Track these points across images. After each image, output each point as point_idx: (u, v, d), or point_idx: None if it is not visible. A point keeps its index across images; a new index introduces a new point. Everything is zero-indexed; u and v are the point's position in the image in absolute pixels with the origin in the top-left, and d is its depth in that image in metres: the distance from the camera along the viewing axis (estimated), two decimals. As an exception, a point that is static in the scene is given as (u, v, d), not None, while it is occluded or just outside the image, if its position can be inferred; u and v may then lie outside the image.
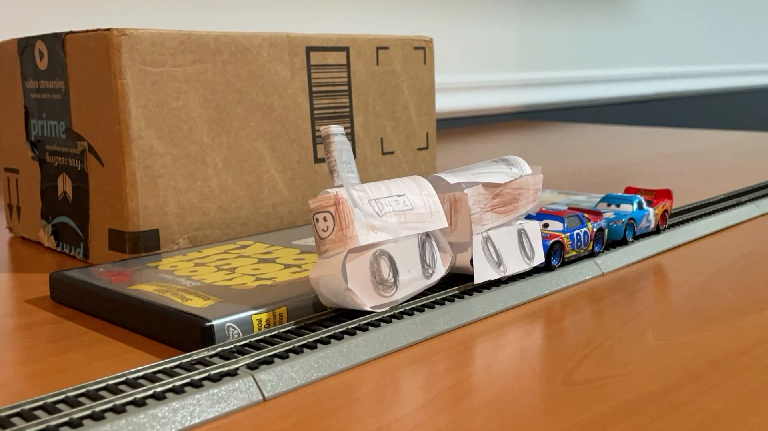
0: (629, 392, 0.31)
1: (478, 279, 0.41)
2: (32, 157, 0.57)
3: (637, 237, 0.52)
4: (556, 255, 0.46)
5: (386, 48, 0.63)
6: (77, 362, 0.35)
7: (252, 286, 0.40)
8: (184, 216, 0.51)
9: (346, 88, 0.60)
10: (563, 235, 0.46)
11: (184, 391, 0.29)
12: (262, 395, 0.31)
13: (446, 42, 1.53)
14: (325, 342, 0.34)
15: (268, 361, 0.32)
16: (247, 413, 0.30)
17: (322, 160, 0.59)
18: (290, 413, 0.30)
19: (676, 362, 0.34)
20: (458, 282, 0.42)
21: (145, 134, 0.48)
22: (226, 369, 0.31)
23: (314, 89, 0.58)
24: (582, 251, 0.47)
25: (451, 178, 0.40)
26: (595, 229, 0.48)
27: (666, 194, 0.55)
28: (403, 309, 0.38)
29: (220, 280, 0.42)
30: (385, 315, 0.37)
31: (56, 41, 0.52)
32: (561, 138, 1.29)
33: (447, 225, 0.39)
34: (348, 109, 0.60)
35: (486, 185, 0.41)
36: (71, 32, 0.51)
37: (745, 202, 0.65)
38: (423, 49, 0.66)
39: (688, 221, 0.58)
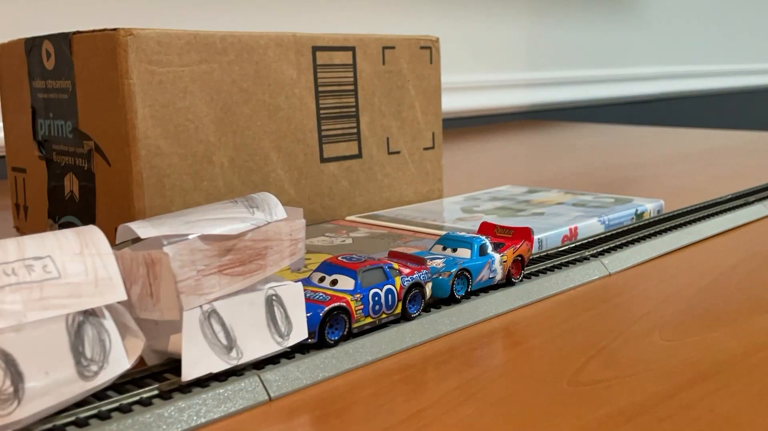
0: (636, 393, 0.31)
1: (190, 373, 0.29)
2: (39, 156, 0.57)
3: (477, 292, 0.41)
4: (337, 326, 0.34)
5: (392, 48, 0.63)
6: (83, 361, 0.35)
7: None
8: (190, 215, 0.51)
9: (352, 87, 0.60)
10: (350, 297, 0.34)
11: (190, 391, 0.29)
12: (268, 395, 0.31)
13: (452, 41, 1.53)
14: (330, 344, 0.34)
15: (273, 361, 0.32)
16: (252, 413, 0.30)
17: (329, 160, 0.59)
18: (296, 413, 0.30)
19: (684, 363, 0.34)
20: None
21: (151, 134, 0.49)
22: (232, 368, 0.31)
23: (320, 89, 0.58)
24: (384, 316, 0.36)
25: (147, 230, 0.29)
26: (406, 285, 0.36)
27: (524, 234, 0.44)
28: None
29: (226, 280, 0.42)
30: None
31: (63, 41, 0.52)
32: (568, 138, 1.29)
33: (124, 298, 0.28)
34: (354, 109, 0.60)
35: (208, 238, 0.30)
36: (78, 32, 0.51)
37: (752, 202, 0.65)
38: (429, 48, 0.66)
39: (695, 221, 0.58)
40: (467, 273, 0.40)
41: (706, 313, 0.40)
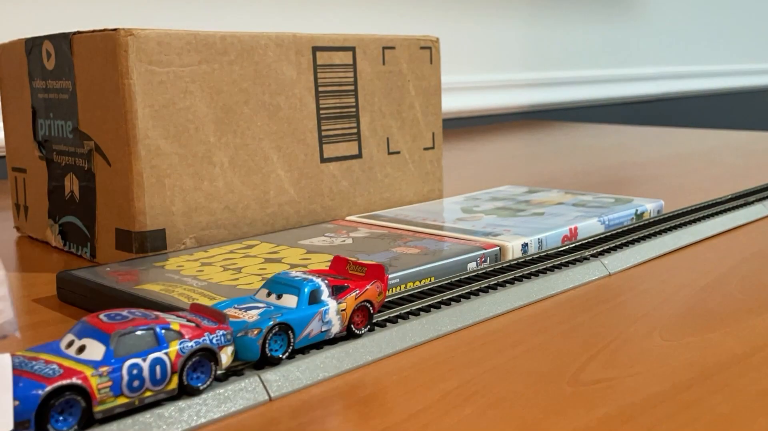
0: (636, 393, 0.31)
1: None
2: (39, 156, 0.57)
3: (306, 349, 0.33)
4: (69, 411, 0.25)
5: (392, 48, 0.63)
6: (84, 361, 0.35)
7: (258, 286, 0.40)
8: (190, 215, 0.51)
9: (352, 87, 0.60)
10: (91, 372, 0.26)
11: (190, 391, 0.29)
12: (268, 395, 0.31)
13: (452, 42, 1.53)
14: (330, 342, 0.34)
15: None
16: (253, 413, 0.30)
17: (329, 160, 0.59)
18: (296, 413, 0.30)
19: (684, 363, 0.34)
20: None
21: (151, 134, 0.49)
22: (231, 368, 0.31)
23: (320, 89, 0.58)
24: (149, 394, 0.27)
25: None
26: (184, 353, 0.28)
27: (376, 273, 0.35)
28: (408, 310, 0.38)
29: (227, 280, 0.42)
30: (391, 315, 0.37)
31: (63, 41, 0.52)
32: (567, 138, 1.29)
33: None
34: (354, 109, 0.60)
35: None
36: (78, 32, 0.51)
37: (752, 202, 0.65)
38: (429, 48, 0.66)
39: (695, 221, 0.58)
40: (288, 330, 0.31)
41: (706, 313, 0.40)
